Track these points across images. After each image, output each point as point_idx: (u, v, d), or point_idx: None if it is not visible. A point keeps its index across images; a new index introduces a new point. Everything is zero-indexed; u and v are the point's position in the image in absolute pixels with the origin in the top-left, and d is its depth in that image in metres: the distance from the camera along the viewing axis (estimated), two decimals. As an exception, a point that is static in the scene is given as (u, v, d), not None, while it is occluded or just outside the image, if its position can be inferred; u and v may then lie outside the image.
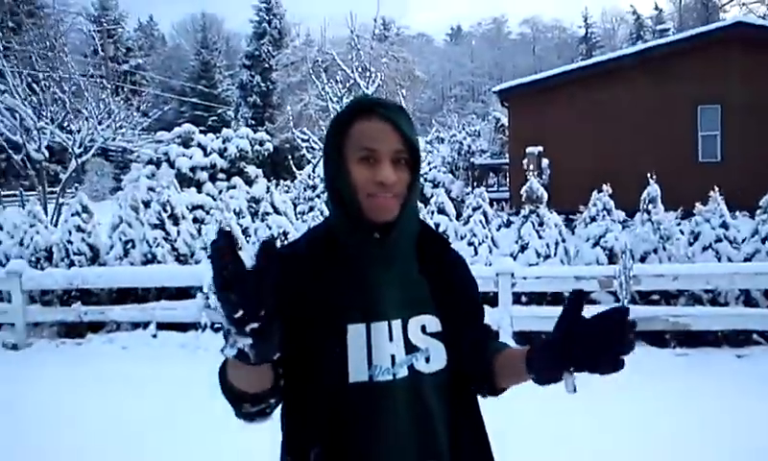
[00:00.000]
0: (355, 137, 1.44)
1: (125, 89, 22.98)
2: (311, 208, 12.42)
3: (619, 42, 60.66)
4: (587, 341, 1.23)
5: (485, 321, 1.64)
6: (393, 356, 1.41)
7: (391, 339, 1.42)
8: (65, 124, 15.43)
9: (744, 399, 5.36)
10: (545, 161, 15.16)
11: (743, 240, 7.68)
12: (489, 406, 1.58)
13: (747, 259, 7.38)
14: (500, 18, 72.84)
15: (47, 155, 14.74)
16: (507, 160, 19.39)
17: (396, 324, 1.44)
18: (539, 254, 7.76)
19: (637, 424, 4.90)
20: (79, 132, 14.75)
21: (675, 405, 5.27)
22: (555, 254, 7.83)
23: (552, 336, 1.29)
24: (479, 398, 1.58)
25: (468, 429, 1.52)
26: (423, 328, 1.46)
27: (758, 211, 7.74)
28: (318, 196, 13.28)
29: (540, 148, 15.25)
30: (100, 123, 15.22)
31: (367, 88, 15.30)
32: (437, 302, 1.50)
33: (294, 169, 15.18)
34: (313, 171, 13.51)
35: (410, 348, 1.44)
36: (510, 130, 18.77)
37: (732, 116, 16.12)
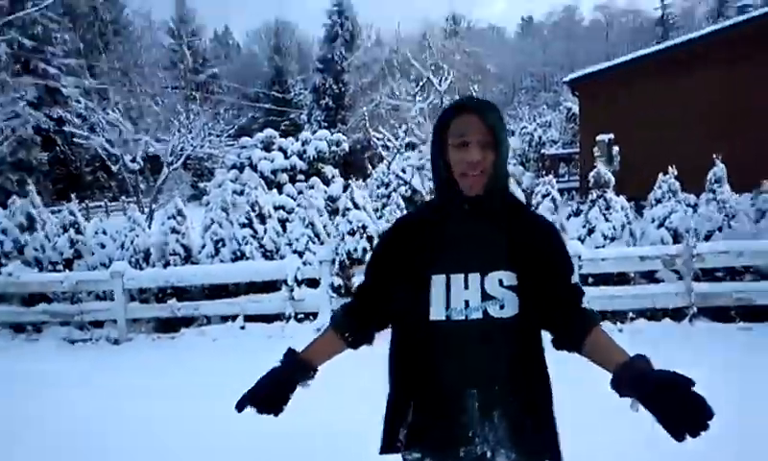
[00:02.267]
0: (453, 129, 1.88)
1: (206, 99, 24.09)
2: (384, 205, 12.88)
3: (699, 21, 58.52)
4: (670, 412, 1.50)
5: (573, 281, 1.97)
6: (467, 301, 1.84)
7: (466, 288, 1.85)
8: (159, 135, 16.44)
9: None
10: (615, 148, 15.23)
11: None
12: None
13: (813, 235, 7.50)
14: (572, 5, 71.62)
15: (142, 164, 15.75)
16: (577, 150, 19.45)
17: (474, 276, 1.85)
18: (605, 237, 8.04)
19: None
20: (171, 141, 15.71)
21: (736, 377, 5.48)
22: (621, 237, 8.09)
23: (641, 386, 1.58)
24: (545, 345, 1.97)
25: (531, 366, 1.91)
26: (501, 282, 1.85)
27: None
28: (393, 191, 13.77)
29: (611, 135, 15.32)
30: (190, 132, 16.14)
31: (440, 85, 15.64)
32: (516, 260, 1.87)
33: (369, 167, 15.69)
34: (388, 168, 14.00)
35: (485, 296, 1.84)
36: (580, 118, 18.84)
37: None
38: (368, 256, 8.15)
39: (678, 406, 1.49)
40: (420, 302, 1.88)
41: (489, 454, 1.88)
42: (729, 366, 5.60)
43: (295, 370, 1.98)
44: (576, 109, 21.56)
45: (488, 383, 1.87)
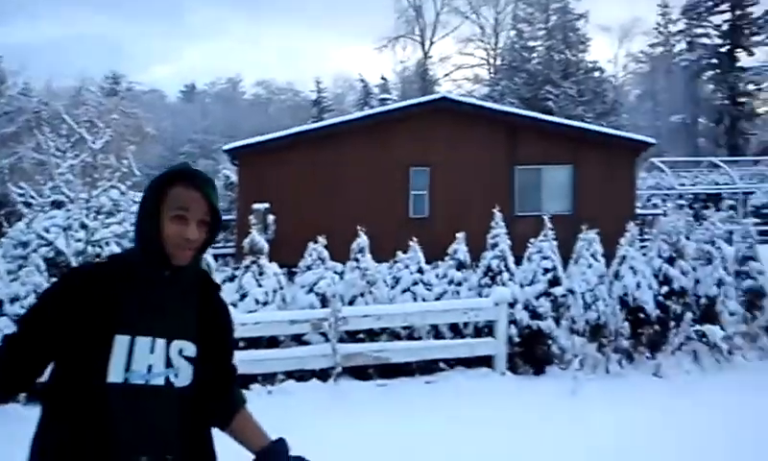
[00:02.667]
0: (172, 198, 1.86)
1: None
2: (20, 267, 11.68)
3: (349, 106, 63.86)
4: None
5: (232, 361, 2.12)
6: (150, 366, 1.80)
7: (152, 352, 1.81)
8: None
9: (432, 415, 6.28)
10: (271, 217, 15.80)
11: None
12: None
13: (437, 299, 8.51)
14: (235, 78, 73.44)
15: None
16: (234, 217, 19.79)
17: (161, 342, 1.83)
18: (258, 301, 8.22)
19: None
20: None
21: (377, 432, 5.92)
22: (273, 301, 8.34)
23: None
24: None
25: (202, 437, 1.95)
26: (181, 351, 1.86)
27: (446, 258, 8.95)
28: (33, 252, 12.56)
29: (267, 205, 15.88)
30: None
31: (93, 143, 14.84)
32: (200, 332, 1.92)
33: (4, 225, 14.14)
34: (27, 226, 12.73)
35: (169, 364, 1.83)
36: (239, 186, 19.23)
37: (437, 177, 18.13)
38: (-2, 323, 7.32)
39: None
40: (99, 361, 1.77)
41: None
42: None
43: None
44: (234, 177, 22.01)
45: (161, 451, 1.82)
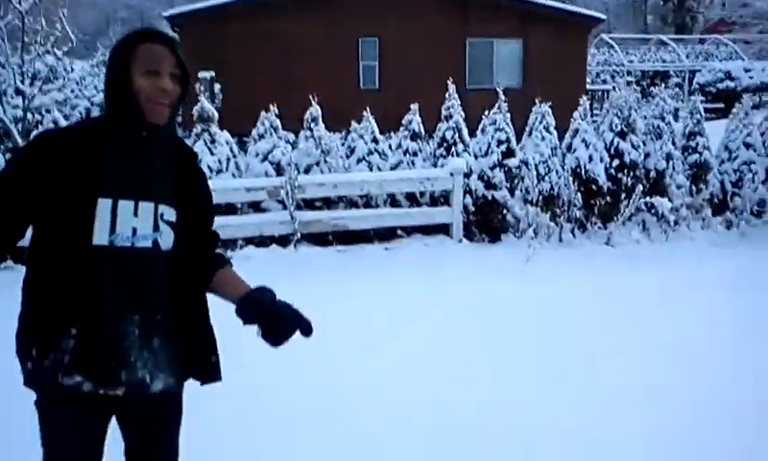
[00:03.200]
0: (142, 56, 1.82)
1: None
2: None
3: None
4: (277, 332, 1.89)
5: (212, 227, 2.14)
6: (134, 229, 1.81)
7: (135, 215, 1.82)
8: None
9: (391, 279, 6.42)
10: (217, 86, 15.35)
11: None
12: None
13: (393, 168, 8.50)
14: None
15: None
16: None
17: (147, 205, 1.84)
18: (211, 170, 8.05)
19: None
20: None
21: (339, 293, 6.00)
22: (227, 169, 8.20)
23: (258, 309, 1.91)
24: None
25: (190, 297, 2.00)
26: (162, 215, 1.87)
27: (401, 128, 8.87)
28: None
29: (212, 73, 15.37)
30: None
31: (20, 4, 13.98)
32: (178, 198, 1.93)
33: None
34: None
35: (156, 227, 1.86)
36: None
37: (388, 49, 17.77)
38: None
39: (277, 324, 1.89)
40: (83, 225, 1.77)
41: (147, 379, 1.88)
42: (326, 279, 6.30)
43: None
44: (177, 45, 21.15)
45: (150, 311, 1.88)
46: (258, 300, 1.92)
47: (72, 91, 15.59)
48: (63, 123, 13.08)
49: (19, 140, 10.23)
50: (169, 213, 1.89)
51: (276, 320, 1.89)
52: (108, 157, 1.82)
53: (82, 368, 1.79)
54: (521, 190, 8.52)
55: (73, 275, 1.77)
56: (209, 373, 2.05)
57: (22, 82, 10.90)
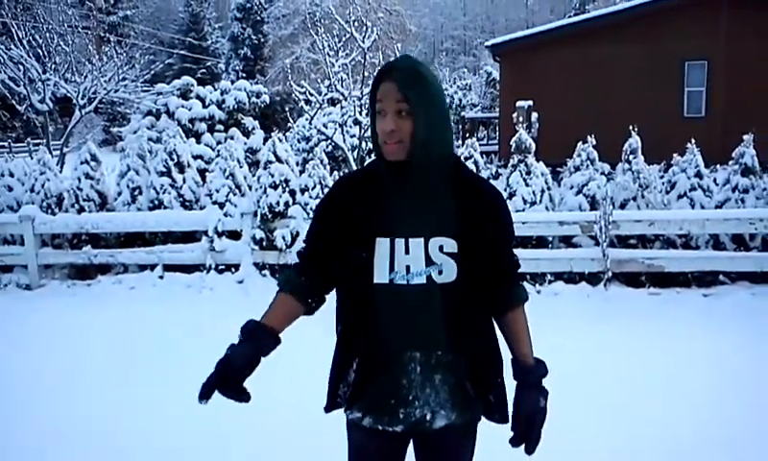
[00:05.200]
0: (378, 96, 1.86)
1: (119, 41, 23.07)
2: (306, 160, 12.75)
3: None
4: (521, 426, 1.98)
5: (513, 255, 2.07)
6: (408, 267, 1.85)
7: (407, 253, 1.85)
8: (69, 76, 15.62)
9: (709, 331, 5.96)
10: (534, 115, 15.53)
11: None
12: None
13: (718, 207, 7.90)
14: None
15: (51, 106, 14.98)
16: (497, 114, 19.76)
17: (417, 241, 1.85)
18: (525, 201, 8.22)
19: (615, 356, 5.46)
20: (83, 83, 14.96)
21: (648, 343, 5.78)
22: (540, 201, 8.28)
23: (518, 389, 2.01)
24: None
25: (474, 330, 1.95)
26: (441, 248, 1.85)
27: (731, 162, 8.22)
28: (315, 146, 13.64)
29: (531, 102, 15.61)
30: (103, 75, 15.43)
31: (363, 42, 15.45)
32: (459, 227, 1.87)
33: (289, 121, 15.44)
34: (309, 122, 13.80)
35: (429, 262, 1.85)
36: (501, 83, 19.11)
37: (717, 73, 16.53)
38: (292, 211, 8.14)
39: (526, 425, 1.95)
40: (366, 264, 1.87)
41: (428, 416, 1.92)
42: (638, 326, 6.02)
43: (261, 341, 1.93)
44: (496, 73, 21.85)
45: (430, 347, 1.89)
46: (532, 379, 2.01)
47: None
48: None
49: (353, 166, 11.39)
50: (449, 244, 1.86)
51: (530, 428, 1.96)
52: (384, 198, 1.90)
53: (361, 402, 1.94)
54: None
55: (359, 310, 1.92)
56: (498, 412, 2.03)
57: (360, 112, 12.06)
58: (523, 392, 1.99)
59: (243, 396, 1.87)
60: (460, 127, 22.16)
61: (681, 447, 3.87)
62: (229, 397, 1.85)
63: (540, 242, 7.91)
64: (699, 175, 8.24)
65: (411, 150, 1.83)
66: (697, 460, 3.73)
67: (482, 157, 10.04)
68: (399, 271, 1.85)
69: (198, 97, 17.10)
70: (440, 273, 1.85)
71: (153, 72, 20.02)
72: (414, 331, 1.87)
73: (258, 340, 1.92)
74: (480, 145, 12.70)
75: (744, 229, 7.47)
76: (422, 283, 1.84)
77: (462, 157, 9.31)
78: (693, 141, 8.44)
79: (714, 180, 8.56)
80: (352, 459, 2.11)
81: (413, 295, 1.85)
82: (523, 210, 8.12)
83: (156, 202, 8.91)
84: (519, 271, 2.09)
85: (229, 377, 1.85)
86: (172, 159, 9.10)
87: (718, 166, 9.80)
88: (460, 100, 23.15)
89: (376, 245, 1.87)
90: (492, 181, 10.52)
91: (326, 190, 2.20)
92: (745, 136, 8.21)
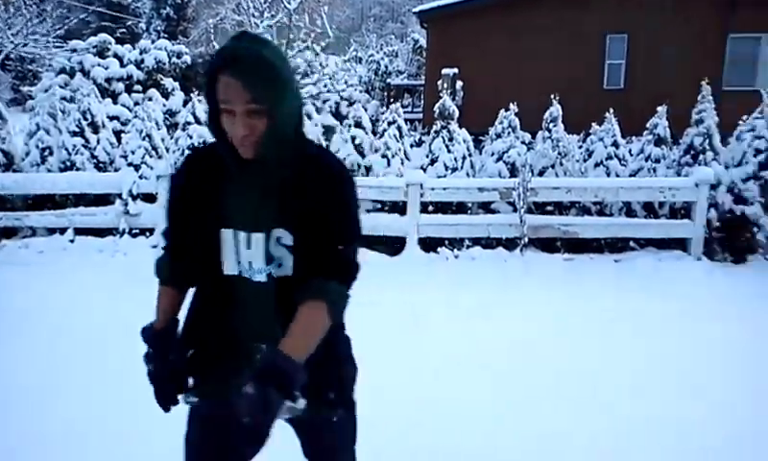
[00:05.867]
0: (220, 90, 1.62)
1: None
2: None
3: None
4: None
5: (343, 248, 1.79)
6: (250, 263, 1.79)
7: (248, 248, 1.78)
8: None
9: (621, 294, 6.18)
10: (459, 83, 15.62)
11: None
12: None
13: (632, 175, 8.14)
14: (422, -63, 71.68)
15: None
16: (423, 82, 19.77)
17: (258, 237, 1.76)
18: (447, 167, 8.27)
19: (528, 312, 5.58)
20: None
21: (561, 302, 5.96)
22: (462, 168, 8.36)
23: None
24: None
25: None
26: (279, 239, 1.76)
27: (645, 133, 8.46)
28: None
29: (456, 70, 15.68)
30: (9, 28, 14.62)
31: (288, 3, 15.18)
32: (298, 217, 1.74)
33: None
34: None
35: (269, 259, 1.77)
36: (427, 51, 19.09)
37: (637, 46, 16.93)
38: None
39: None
40: (214, 254, 1.81)
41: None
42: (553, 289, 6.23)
43: (167, 344, 1.92)
44: (423, 41, 21.82)
45: (271, 340, 1.69)
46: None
47: (324, 86, 16.72)
48: (317, 117, 14.08)
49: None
50: (286, 237, 1.76)
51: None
52: (224, 188, 1.79)
53: (202, 389, 1.92)
54: (778, 207, 7.75)
55: (210, 297, 1.89)
56: (319, 407, 1.87)
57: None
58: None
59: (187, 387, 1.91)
60: (385, 94, 22.07)
61: (591, 389, 4.06)
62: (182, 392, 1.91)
63: (460, 208, 7.98)
64: (615, 144, 8.47)
65: (265, 146, 1.68)
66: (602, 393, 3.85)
67: (406, 124, 10.04)
68: (244, 263, 1.80)
69: (116, 56, 16.47)
70: (279, 266, 1.79)
71: (67, 27, 19.14)
72: (261, 324, 1.84)
73: (163, 345, 1.92)
74: (405, 112, 12.72)
75: (654, 197, 7.72)
76: (263, 281, 1.80)
77: (386, 122, 9.30)
78: (612, 111, 8.63)
79: (630, 150, 8.80)
80: (191, 451, 2.00)
81: (255, 290, 1.81)
82: (445, 176, 8.17)
83: (68, 163, 8.58)
84: (348, 273, 1.80)
85: (169, 387, 1.90)
86: (86, 119, 8.77)
87: (635, 137, 10.06)
88: (386, 67, 23.03)
89: (222, 235, 1.79)
90: (414, 147, 10.57)
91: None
92: (659, 108, 8.45)
